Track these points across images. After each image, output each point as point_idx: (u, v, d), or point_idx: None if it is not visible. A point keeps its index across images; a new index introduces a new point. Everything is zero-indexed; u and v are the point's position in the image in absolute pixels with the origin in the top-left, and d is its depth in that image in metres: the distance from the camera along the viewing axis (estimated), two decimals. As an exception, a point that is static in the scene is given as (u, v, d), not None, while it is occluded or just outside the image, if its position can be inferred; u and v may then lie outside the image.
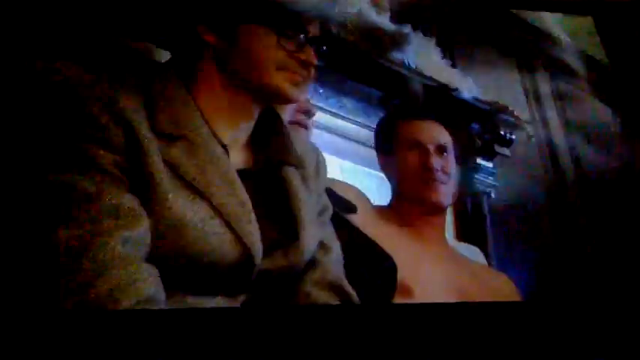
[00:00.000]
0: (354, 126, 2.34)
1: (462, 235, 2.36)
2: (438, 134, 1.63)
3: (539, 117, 2.84)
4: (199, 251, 1.02)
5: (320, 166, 1.30)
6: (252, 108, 1.17)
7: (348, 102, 2.33)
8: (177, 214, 1.01)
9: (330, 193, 1.39)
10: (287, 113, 1.38)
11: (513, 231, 2.47)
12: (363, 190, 1.70)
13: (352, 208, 1.55)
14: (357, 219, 1.54)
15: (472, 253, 1.91)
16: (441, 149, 1.62)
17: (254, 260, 1.09)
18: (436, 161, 1.59)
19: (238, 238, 1.06)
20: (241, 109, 1.15)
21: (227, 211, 1.06)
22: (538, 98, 2.86)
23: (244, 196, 1.09)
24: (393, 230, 1.60)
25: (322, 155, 1.32)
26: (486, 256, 2.02)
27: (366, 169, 2.21)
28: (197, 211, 1.03)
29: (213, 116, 1.12)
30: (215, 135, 1.12)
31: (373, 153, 1.85)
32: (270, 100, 1.18)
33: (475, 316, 0.86)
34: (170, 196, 1.01)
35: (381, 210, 1.68)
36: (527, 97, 2.84)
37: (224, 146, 1.13)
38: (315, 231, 1.20)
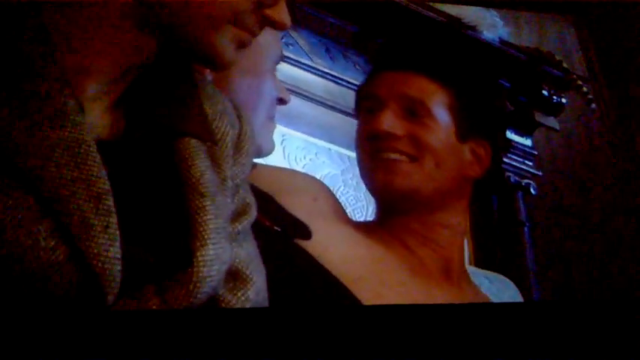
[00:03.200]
0: (310, 75, 2.03)
1: (481, 259, 1.95)
2: (405, 86, 1.39)
3: (602, 71, 2.42)
4: (17, 271, 0.81)
5: (244, 139, 1.06)
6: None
7: (300, 38, 2.05)
8: None
9: (263, 198, 1.19)
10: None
11: (567, 251, 2.06)
12: (326, 183, 1.49)
13: (302, 231, 1.31)
14: (313, 240, 1.31)
15: (500, 289, 1.57)
16: (411, 107, 1.37)
17: (106, 297, 0.86)
18: (393, 123, 1.35)
19: (80, 257, 0.84)
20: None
21: (68, 208, 0.85)
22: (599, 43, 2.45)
23: (102, 184, 0.86)
24: (379, 255, 1.34)
25: (249, 122, 1.07)
26: (525, 292, 1.67)
27: (330, 146, 1.97)
28: (14, 206, 0.83)
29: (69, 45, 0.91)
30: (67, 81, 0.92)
31: (339, 119, 1.78)
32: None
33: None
34: None
35: (364, 225, 1.44)
36: (583, 42, 2.46)
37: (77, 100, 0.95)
38: (223, 249, 0.94)
